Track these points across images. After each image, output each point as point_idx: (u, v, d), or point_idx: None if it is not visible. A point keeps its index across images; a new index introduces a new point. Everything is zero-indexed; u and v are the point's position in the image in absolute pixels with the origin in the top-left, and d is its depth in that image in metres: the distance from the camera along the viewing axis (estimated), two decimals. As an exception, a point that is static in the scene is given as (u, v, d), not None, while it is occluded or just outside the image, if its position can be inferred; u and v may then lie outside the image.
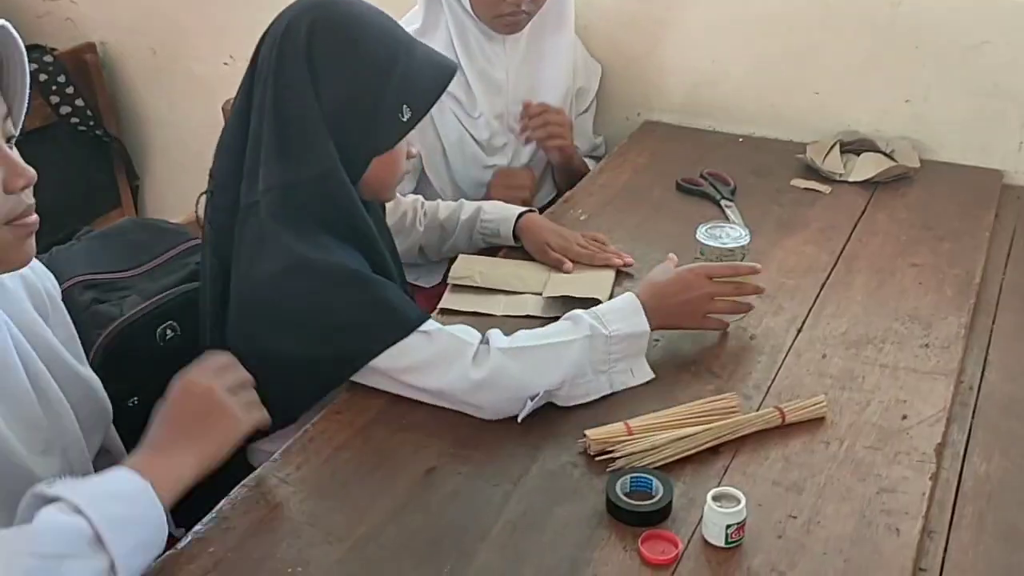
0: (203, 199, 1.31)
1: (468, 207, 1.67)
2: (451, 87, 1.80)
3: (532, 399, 1.22)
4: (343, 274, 1.24)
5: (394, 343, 1.23)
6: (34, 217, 1.00)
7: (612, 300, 1.34)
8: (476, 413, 1.24)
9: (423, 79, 1.30)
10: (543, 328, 1.29)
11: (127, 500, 0.94)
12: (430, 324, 1.25)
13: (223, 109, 1.89)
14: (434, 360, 1.23)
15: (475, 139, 1.87)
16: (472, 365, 1.22)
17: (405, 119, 1.29)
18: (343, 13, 1.27)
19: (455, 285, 1.50)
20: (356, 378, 1.28)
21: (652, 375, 1.32)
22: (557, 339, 1.26)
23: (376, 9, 1.32)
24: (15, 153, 0.98)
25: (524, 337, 1.27)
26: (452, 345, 1.24)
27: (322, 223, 1.26)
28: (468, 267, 1.53)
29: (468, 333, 1.26)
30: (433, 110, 1.81)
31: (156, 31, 2.76)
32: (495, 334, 1.27)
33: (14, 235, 0.98)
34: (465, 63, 1.81)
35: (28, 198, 0.99)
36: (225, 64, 2.56)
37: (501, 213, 1.65)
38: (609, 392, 1.29)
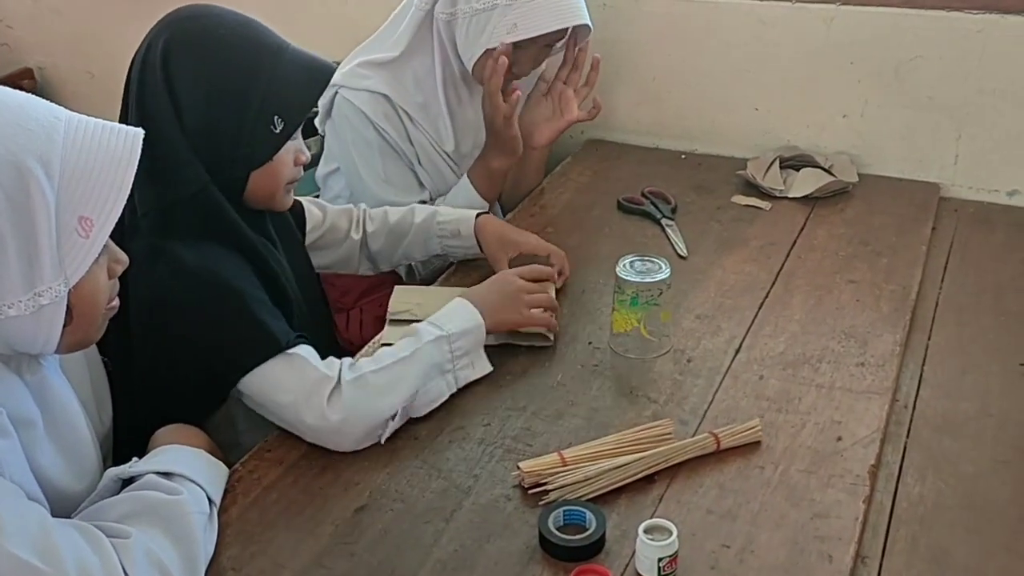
0: None
1: (421, 210, 1.63)
2: (421, 119, 1.78)
3: (392, 419, 1.23)
4: (221, 288, 1.22)
5: (257, 364, 1.21)
6: (117, 300, 1.08)
7: (442, 309, 1.35)
8: (337, 448, 1.23)
9: (293, 86, 1.26)
10: (387, 348, 1.29)
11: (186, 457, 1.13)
12: (298, 349, 1.23)
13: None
14: (293, 388, 1.21)
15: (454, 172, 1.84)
16: (327, 405, 1.20)
17: (278, 130, 1.26)
18: (198, 28, 1.25)
19: (393, 320, 1.47)
20: (245, 400, 1.26)
21: (491, 367, 1.35)
22: (401, 354, 1.26)
23: (241, 18, 1.28)
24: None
25: (369, 362, 1.26)
26: (312, 377, 1.22)
27: (207, 234, 1.25)
28: (405, 300, 1.50)
29: (330, 366, 1.25)
30: (416, 148, 1.76)
31: (93, 54, 2.72)
32: (346, 365, 1.25)
33: (103, 318, 1.05)
34: (441, 96, 1.78)
35: (116, 283, 1.06)
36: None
37: (458, 213, 1.63)
38: (454, 391, 1.31)
